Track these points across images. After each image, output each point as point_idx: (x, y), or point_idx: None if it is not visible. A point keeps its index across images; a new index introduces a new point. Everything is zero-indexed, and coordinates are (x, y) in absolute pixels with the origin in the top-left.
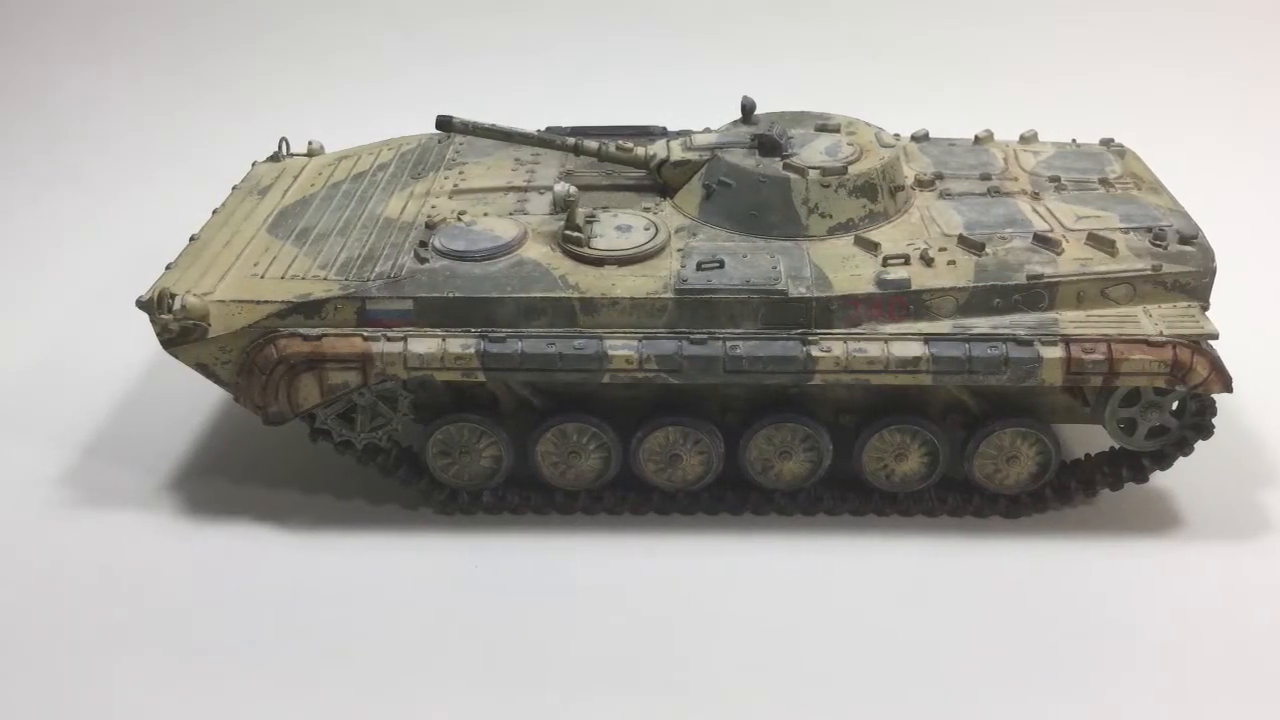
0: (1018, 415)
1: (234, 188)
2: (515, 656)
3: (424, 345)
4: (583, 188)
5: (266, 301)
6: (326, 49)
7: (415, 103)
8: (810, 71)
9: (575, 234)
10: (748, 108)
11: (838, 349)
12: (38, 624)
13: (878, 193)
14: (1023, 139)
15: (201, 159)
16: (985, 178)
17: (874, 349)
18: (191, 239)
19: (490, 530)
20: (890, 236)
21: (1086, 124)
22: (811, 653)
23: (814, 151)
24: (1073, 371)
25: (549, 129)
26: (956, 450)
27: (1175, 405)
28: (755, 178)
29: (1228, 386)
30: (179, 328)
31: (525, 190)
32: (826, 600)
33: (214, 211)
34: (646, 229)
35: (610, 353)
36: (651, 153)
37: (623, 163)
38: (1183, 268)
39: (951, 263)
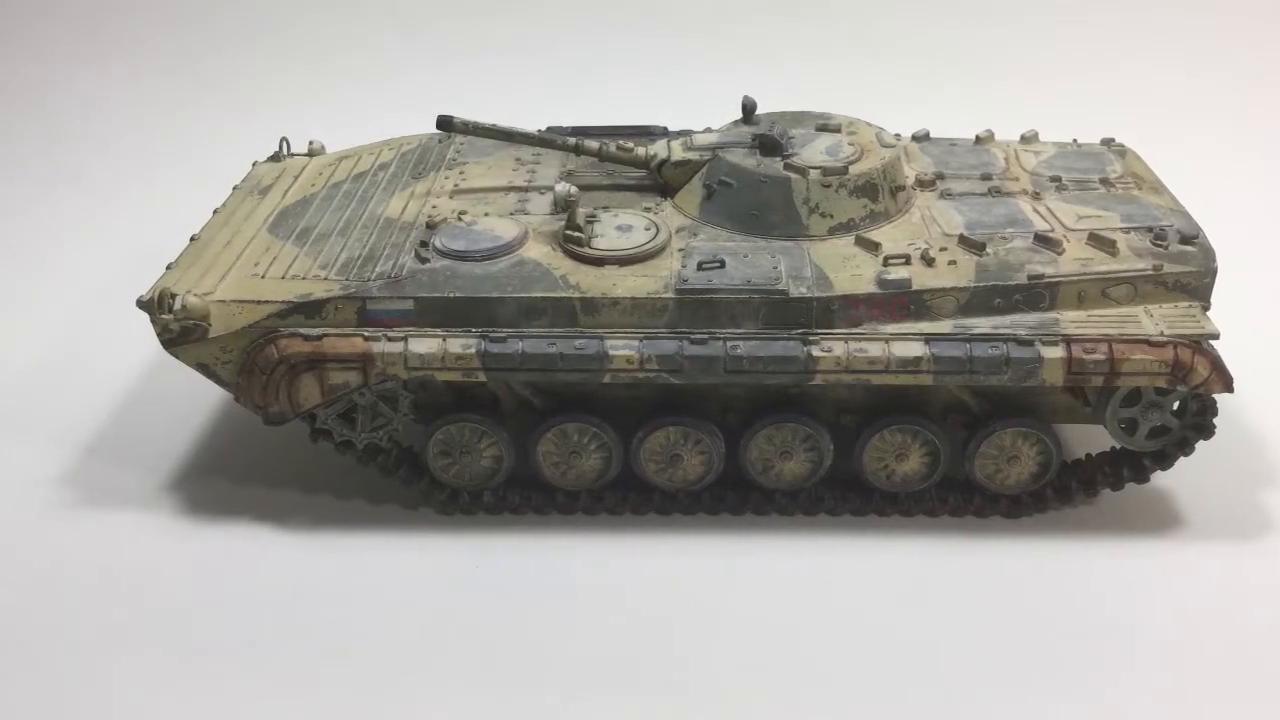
0: (1019, 415)
1: (234, 188)
2: (515, 656)
3: (425, 345)
4: (583, 188)
5: (267, 301)
6: (326, 49)
7: (415, 103)
8: (811, 71)
9: (576, 234)
10: (748, 108)
11: (839, 349)
12: (38, 624)
13: (879, 193)
14: (1023, 139)
15: (201, 159)
16: (986, 178)
17: (875, 349)
18: (192, 239)
19: (491, 530)
20: (891, 236)
21: (1087, 124)
22: (812, 653)
23: (815, 151)
24: (1074, 371)
25: (549, 129)
26: (957, 450)
27: (1176, 405)
28: (756, 178)
29: (1229, 386)
30: (179, 328)
31: (526, 190)
32: (827, 600)
33: (214, 211)
34: (647, 229)
35: (611, 353)
36: (652, 153)
37: (623, 163)
38: (1184, 268)
39: (952, 263)
